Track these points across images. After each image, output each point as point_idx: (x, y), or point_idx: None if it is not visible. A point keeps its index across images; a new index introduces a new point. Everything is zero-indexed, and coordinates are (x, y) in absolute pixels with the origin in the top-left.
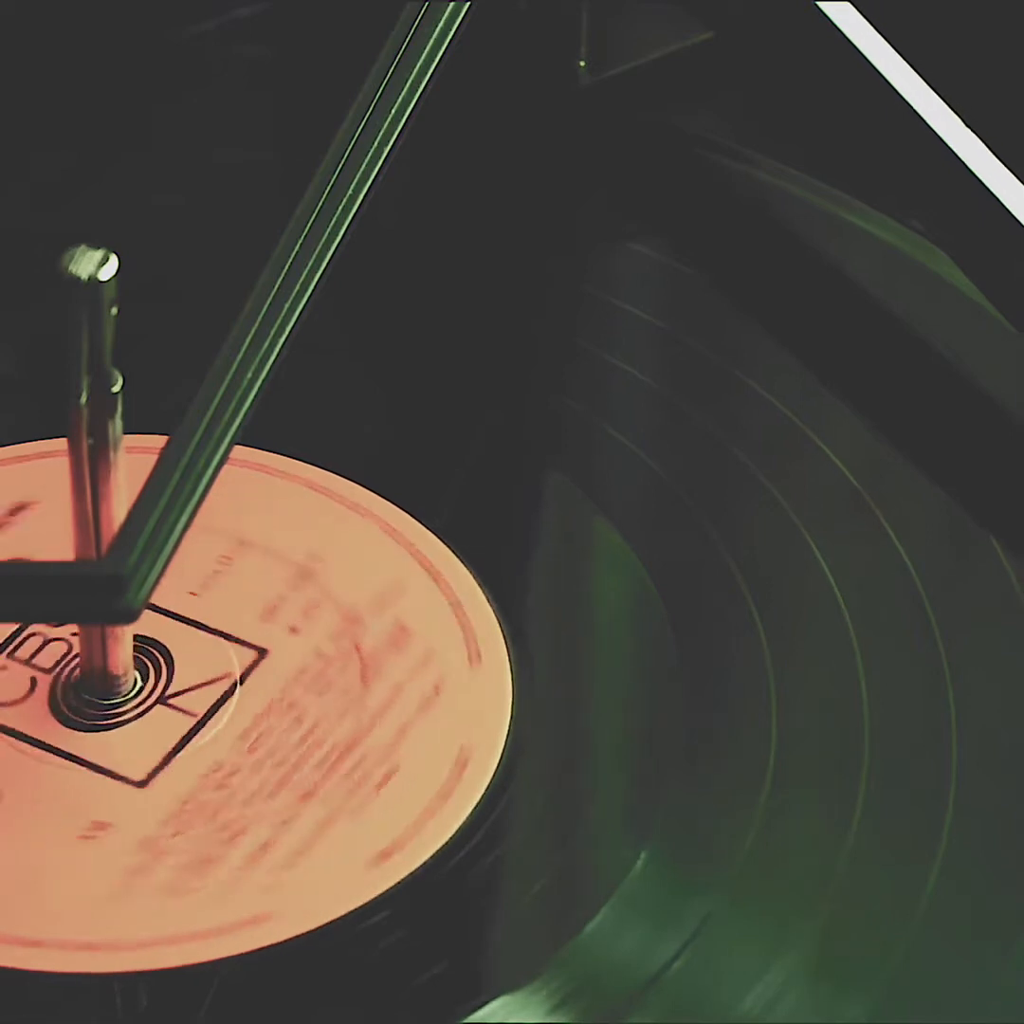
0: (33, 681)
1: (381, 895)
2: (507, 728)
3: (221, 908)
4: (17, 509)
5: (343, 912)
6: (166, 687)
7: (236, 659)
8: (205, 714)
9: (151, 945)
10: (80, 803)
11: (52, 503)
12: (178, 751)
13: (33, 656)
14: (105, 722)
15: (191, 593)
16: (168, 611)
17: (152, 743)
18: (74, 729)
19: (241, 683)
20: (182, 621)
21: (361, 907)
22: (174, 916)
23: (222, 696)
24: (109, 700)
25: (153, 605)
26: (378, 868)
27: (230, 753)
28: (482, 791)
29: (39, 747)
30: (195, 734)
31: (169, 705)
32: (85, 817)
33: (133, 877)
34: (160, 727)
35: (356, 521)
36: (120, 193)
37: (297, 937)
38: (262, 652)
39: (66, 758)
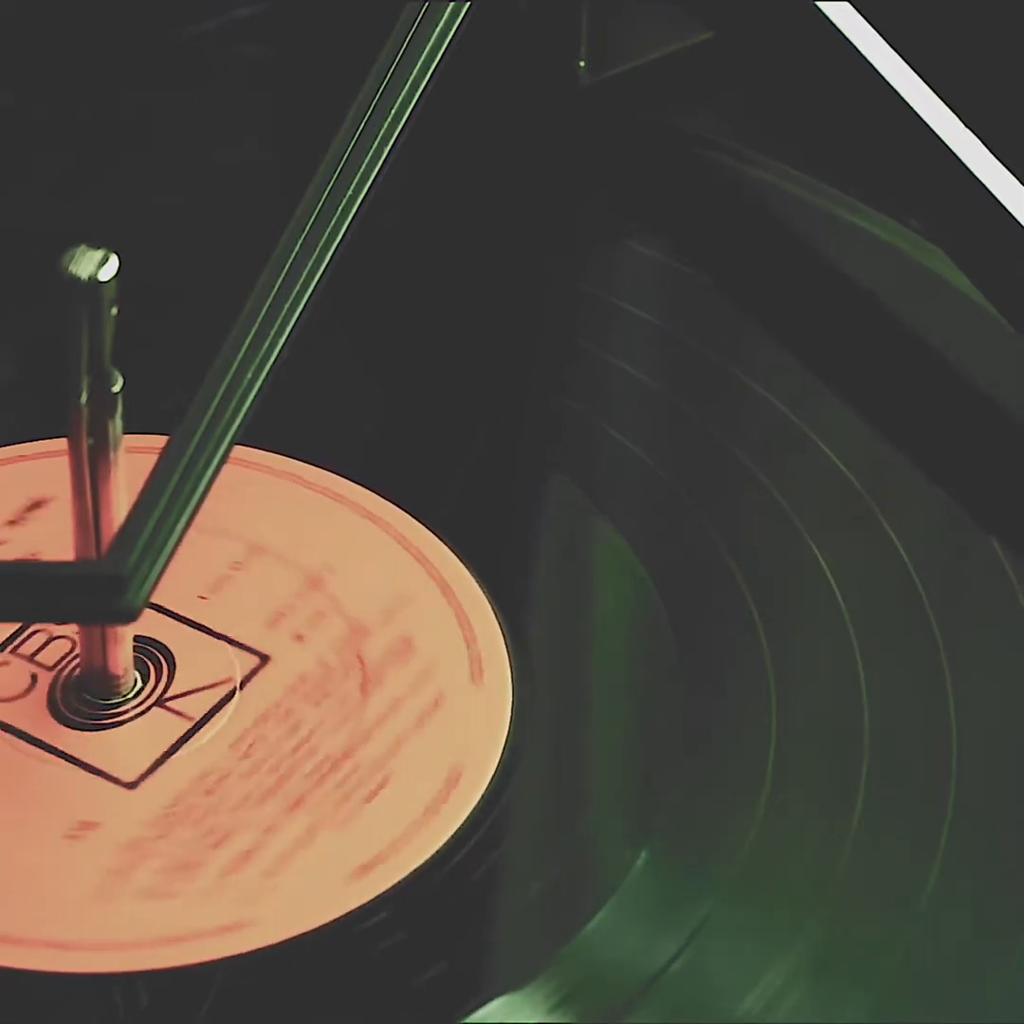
0: (34, 678)
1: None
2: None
3: (199, 913)
4: (34, 506)
5: (319, 923)
6: (166, 689)
7: (238, 664)
8: (202, 718)
9: (128, 948)
10: (69, 802)
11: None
12: (171, 754)
13: (36, 653)
14: (102, 722)
15: (201, 597)
16: (174, 613)
17: (146, 745)
18: (70, 727)
19: (241, 689)
20: (187, 624)
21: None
22: (152, 920)
23: (221, 701)
24: (108, 700)
25: (159, 607)
26: (358, 882)
27: (223, 758)
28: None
29: (33, 744)
30: (190, 737)
31: (167, 708)
32: (73, 817)
33: (114, 878)
34: (156, 729)
35: (363, 525)
36: (120, 193)
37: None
38: (264, 658)
39: (59, 756)
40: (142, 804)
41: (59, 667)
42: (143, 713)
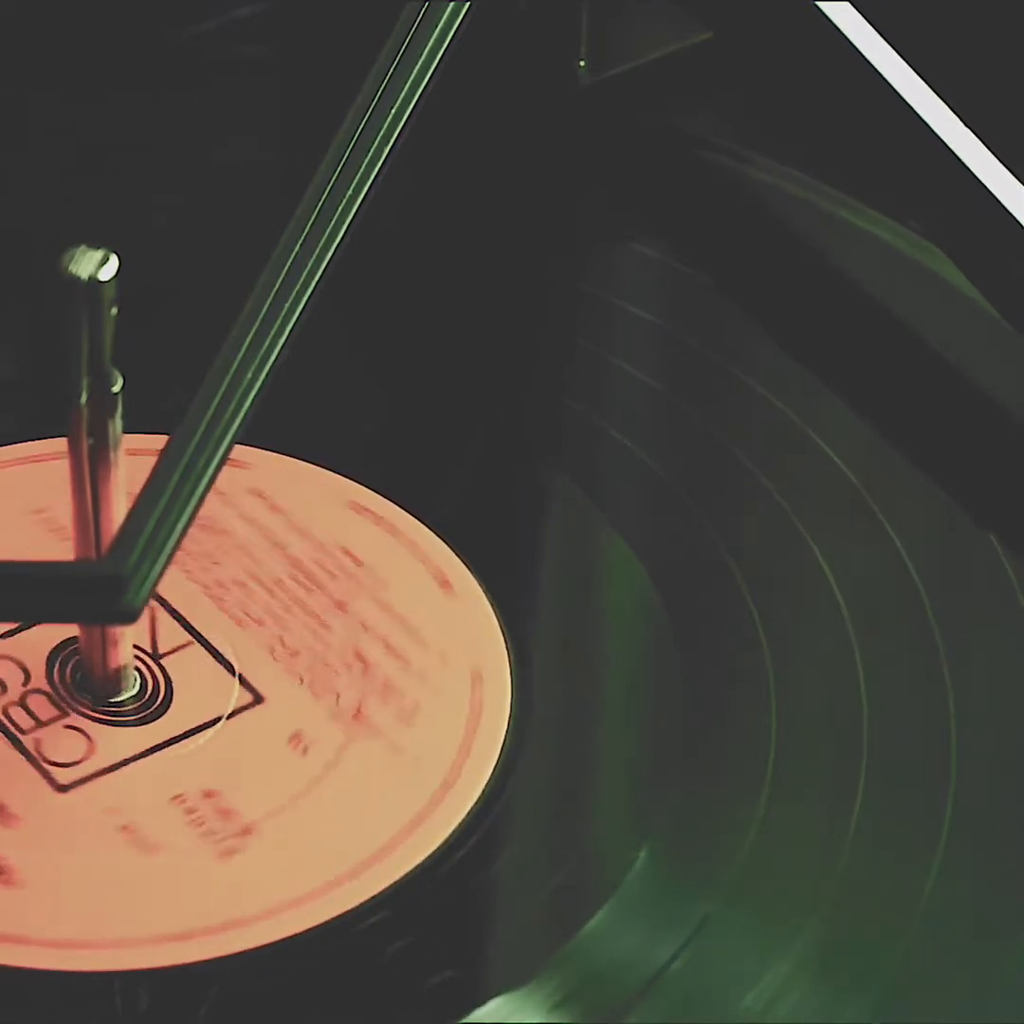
0: (79, 731)
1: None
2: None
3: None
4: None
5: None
6: (144, 652)
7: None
8: (195, 638)
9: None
10: (265, 739)
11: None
12: (224, 667)
13: (36, 720)
14: (148, 708)
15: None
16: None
17: (208, 681)
18: (150, 722)
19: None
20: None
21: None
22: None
23: (176, 619)
24: (111, 699)
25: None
26: (449, 597)
27: (246, 641)
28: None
29: (171, 743)
30: (203, 648)
31: (168, 658)
32: (281, 737)
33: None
34: (193, 665)
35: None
36: (120, 193)
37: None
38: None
39: (196, 731)
40: (291, 692)
41: (69, 707)
42: (165, 675)
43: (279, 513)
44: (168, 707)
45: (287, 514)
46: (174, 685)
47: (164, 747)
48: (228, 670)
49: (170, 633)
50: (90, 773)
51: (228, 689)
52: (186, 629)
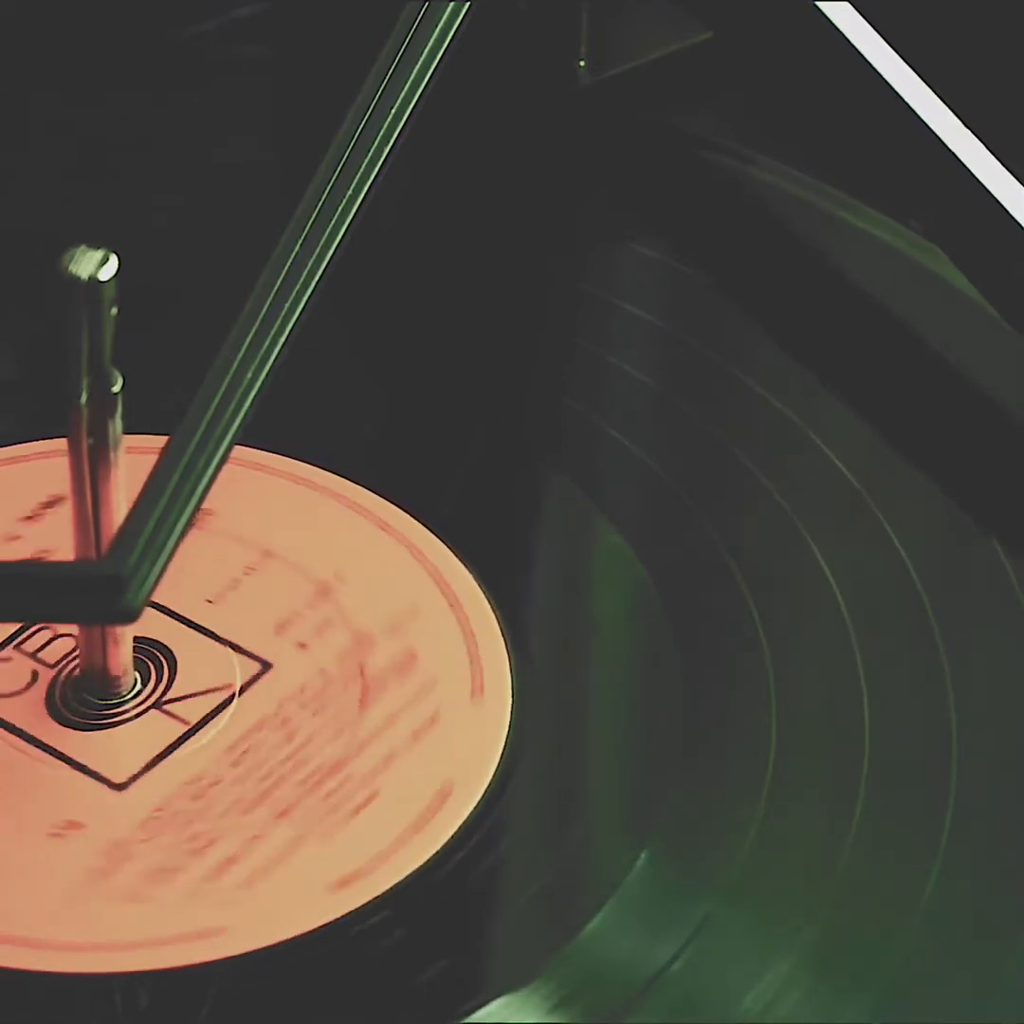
0: (35, 675)
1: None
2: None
3: (172, 918)
4: (51, 502)
5: (291, 934)
6: (165, 692)
7: (239, 670)
8: (198, 722)
9: (98, 949)
10: (56, 801)
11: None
12: (164, 757)
13: (39, 650)
14: (98, 722)
15: (208, 600)
16: (180, 616)
17: (140, 747)
18: (66, 726)
19: (239, 694)
20: (192, 627)
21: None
22: (124, 923)
23: (218, 706)
24: (107, 700)
25: (165, 608)
26: (334, 895)
27: (214, 764)
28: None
29: (28, 740)
30: (184, 741)
31: (164, 711)
32: (59, 815)
33: (92, 879)
34: (152, 732)
35: (373, 531)
36: (120, 193)
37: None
38: (266, 665)
39: (52, 754)
40: (129, 806)
41: (60, 665)
42: (140, 715)
43: (415, 741)
44: (94, 730)
45: (419, 744)
46: (128, 727)
47: (33, 744)
48: (156, 759)
49: (196, 707)
50: None
51: (128, 766)
52: (207, 714)
